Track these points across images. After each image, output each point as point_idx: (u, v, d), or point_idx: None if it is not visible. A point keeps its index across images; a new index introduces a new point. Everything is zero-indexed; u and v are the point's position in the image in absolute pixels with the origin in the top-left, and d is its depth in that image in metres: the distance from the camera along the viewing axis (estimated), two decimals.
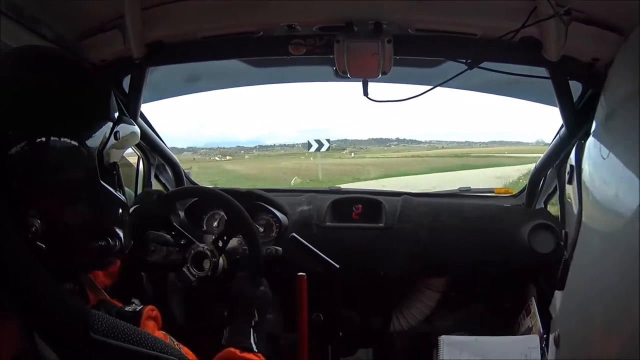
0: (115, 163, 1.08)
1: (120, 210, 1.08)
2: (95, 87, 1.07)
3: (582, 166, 1.43)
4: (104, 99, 1.07)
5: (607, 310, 1.19)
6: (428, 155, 25.41)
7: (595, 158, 1.34)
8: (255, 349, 1.50)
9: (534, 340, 2.04)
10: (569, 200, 2.24)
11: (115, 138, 1.04)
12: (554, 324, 1.54)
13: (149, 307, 1.09)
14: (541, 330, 2.05)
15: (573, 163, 1.40)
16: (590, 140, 1.40)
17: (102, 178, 1.01)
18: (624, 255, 1.10)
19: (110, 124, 1.04)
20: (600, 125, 1.36)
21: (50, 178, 0.93)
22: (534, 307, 2.19)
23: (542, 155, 2.30)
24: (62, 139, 0.94)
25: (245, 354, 1.42)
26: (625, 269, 1.09)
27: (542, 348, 1.98)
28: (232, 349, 1.43)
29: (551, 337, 1.48)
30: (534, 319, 2.15)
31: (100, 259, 1.07)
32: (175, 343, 1.07)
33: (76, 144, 0.96)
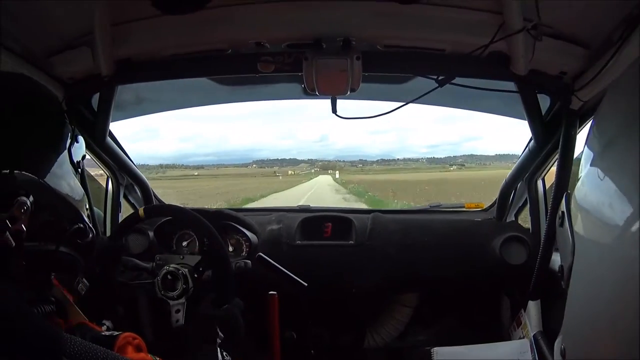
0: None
1: (88, 202, 1.09)
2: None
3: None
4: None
5: (611, 315, 1.18)
6: None
7: (590, 178, 1.31)
8: None
9: (524, 344, 2.07)
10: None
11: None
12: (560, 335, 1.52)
13: (128, 334, 1.04)
14: (533, 341, 2.07)
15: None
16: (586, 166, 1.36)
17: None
18: (622, 266, 1.09)
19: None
20: (596, 153, 1.33)
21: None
22: (525, 319, 2.20)
23: (511, 169, 2.31)
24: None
25: None
26: (623, 280, 1.07)
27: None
28: None
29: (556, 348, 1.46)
30: (525, 330, 2.17)
31: (77, 245, 1.04)
32: None
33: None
